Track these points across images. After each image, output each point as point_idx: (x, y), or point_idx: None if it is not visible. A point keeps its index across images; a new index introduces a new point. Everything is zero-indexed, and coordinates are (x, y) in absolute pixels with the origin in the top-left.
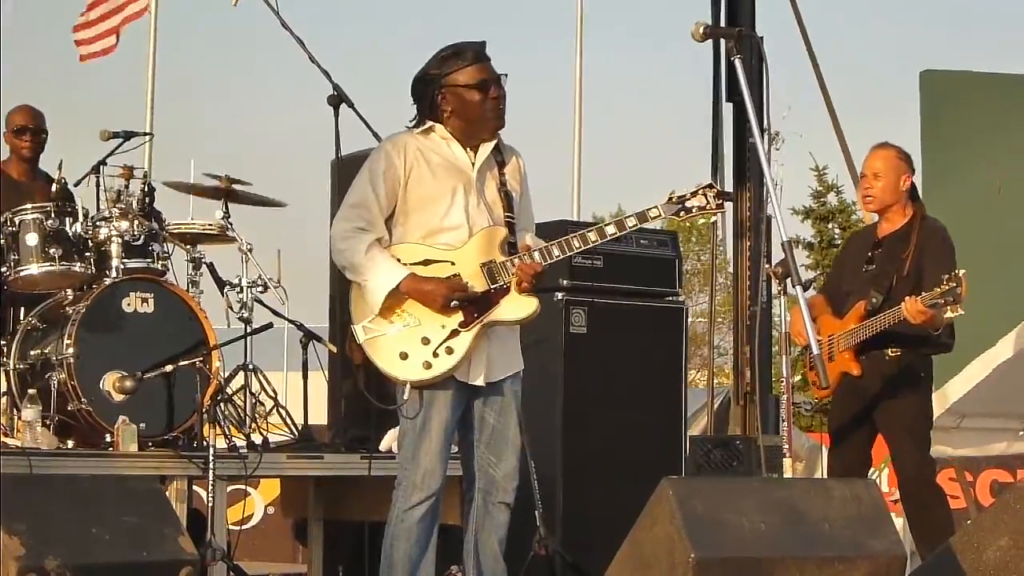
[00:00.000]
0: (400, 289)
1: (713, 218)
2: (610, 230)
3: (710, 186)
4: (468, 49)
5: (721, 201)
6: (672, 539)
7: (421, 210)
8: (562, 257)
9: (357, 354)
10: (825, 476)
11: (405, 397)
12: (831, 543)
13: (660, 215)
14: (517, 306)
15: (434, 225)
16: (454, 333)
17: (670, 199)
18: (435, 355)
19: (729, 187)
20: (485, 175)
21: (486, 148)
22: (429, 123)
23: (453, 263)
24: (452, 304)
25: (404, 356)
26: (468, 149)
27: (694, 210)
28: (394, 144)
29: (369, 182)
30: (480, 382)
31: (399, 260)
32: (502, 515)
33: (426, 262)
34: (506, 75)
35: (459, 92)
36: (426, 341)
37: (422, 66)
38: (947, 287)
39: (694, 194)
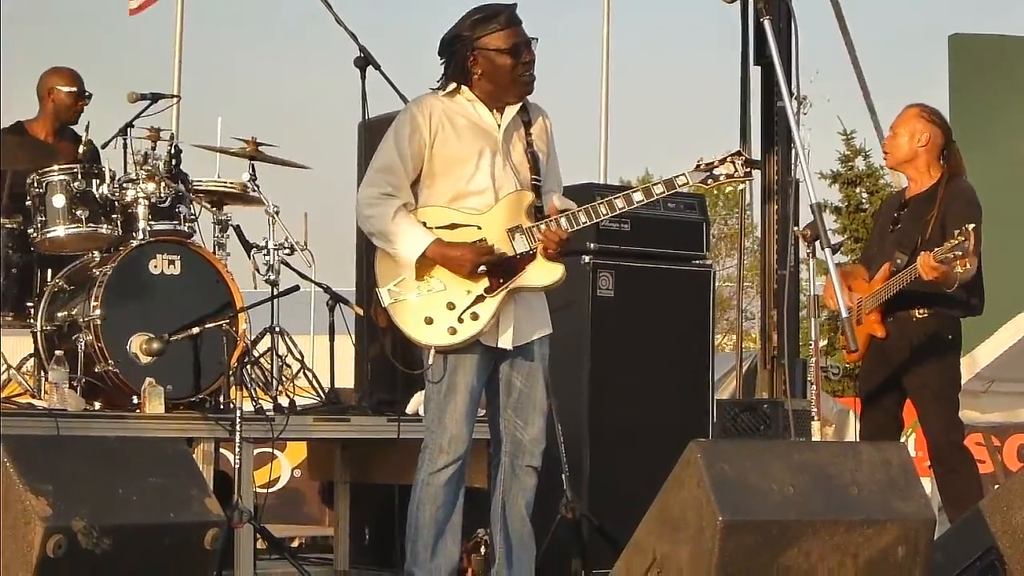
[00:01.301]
0: (427, 255)
1: (741, 186)
2: (637, 197)
3: (738, 153)
4: (501, 12)
5: (749, 169)
6: (700, 502)
7: (447, 173)
8: (588, 224)
9: (382, 317)
10: (856, 440)
11: (430, 362)
12: (860, 506)
13: (688, 183)
14: (543, 272)
15: (460, 188)
16: (479, 298)
17: (698, 166)
18: (460, 320)
19: (757, 151)
20: (512, 137)
21: (512, 109)
22: (454, 84)
23: (480, 227)
24: (479, 270)
25: (429, 321)
26: (494, 111)
27: (722, 177)
28: (419, 106)
29: (395, 145)
30: (507, 345)
31: (425, 224)
32: (529, 479)
33: (452, 226)
34: (536, 39)
35: (491, 56)
36: (451, 306)
37: (452, 26)
38: (956, 241)
39: (722, 161)
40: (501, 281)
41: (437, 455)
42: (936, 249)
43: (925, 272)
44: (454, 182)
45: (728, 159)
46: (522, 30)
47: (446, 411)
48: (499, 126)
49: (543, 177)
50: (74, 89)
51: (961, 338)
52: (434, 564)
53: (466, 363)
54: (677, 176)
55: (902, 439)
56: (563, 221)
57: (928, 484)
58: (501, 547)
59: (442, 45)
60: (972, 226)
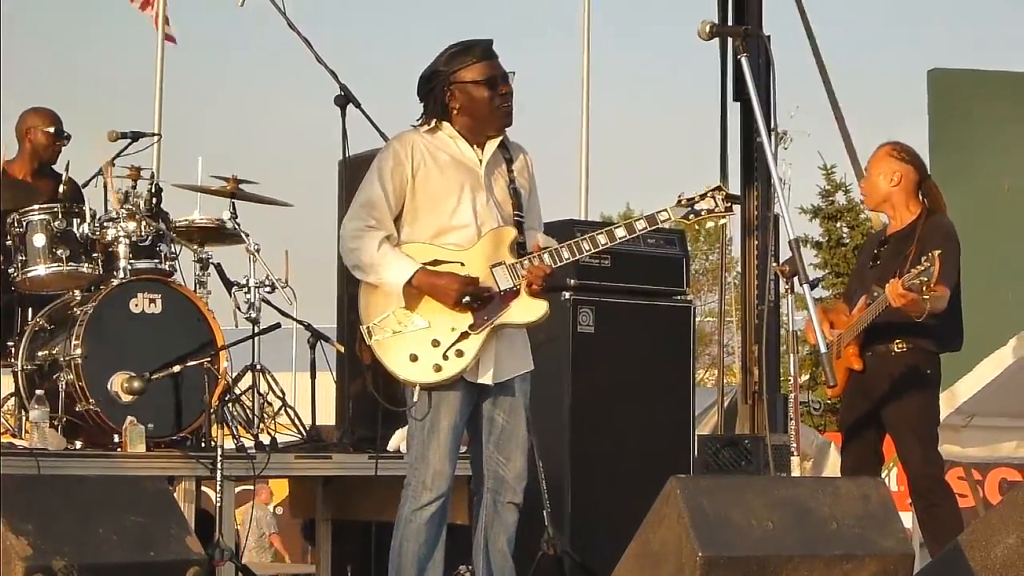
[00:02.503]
0: (413, 283)
1: (722, 220)
2: (620, 233)
3: (719, 188)
4: (476, 46)
5: (730, 204)
6: (680, 538)
7: (429, 209)
8: (571, 260)
9: (366, 355)
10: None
11: (415, 399)
12: (839, 541)
13: (670, 218)
14: (527, 309)
15: (443, 224)
16: (464, 335)
17: (679, 202)
18: (445, 357)
19: (737, 186)
20: (493, 172)
21: (492, 145)
22: (435, 121)
23: (463, 263)
24: (464, 300)
25: (414, 358)
26: (475, 146)
27: (703, 212)
28: (401, 143)
29: (378, 181)
30: (488, 381)
31: None
32: (511, 515)
33: (435, 262)
34: (514, 73)
35: (467, 88)
36: (436, 343)
37: (429, 64)
38: (923, 267)
39: (703, 196)
40: (485, 318)
41: (420, 492)
42: (903, 276)
43: (893, 299)
44: (436, 218)
45: (709, 194)
46: (498, 63)
47: (429, 448)
48: (480, 161)
49: (525, 213)
50: (51, 129)
51: (940, 373)
52: None
53: (449, 400)
54: (659, 212)
55: (883, 473)
56: (546, 257)
57: (908, 520)
58: None
59: (420, 82)
60: (938, 252)
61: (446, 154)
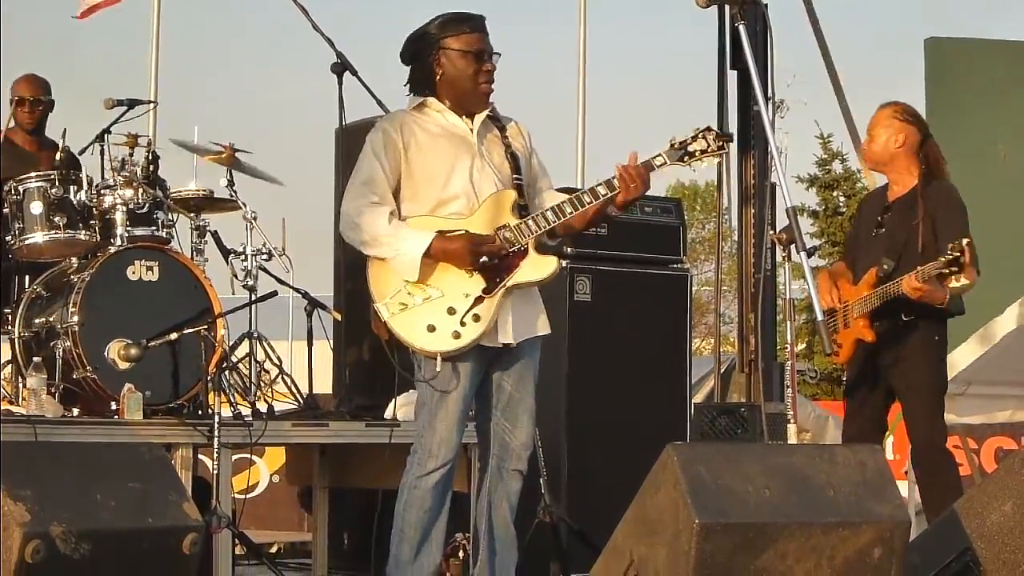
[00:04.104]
0: (430, 251)
1: (717, 160)
2: (616, 182)
3: (708, 128)
4: (470, 17)
5: (722, 142)
6: (676, 505)
7: (426, 182)
8: (574, 214)
9: (382, 331)
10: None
11: (438, 369)
12: (835, 509)
13: (666, 162)
14: (537, 267)
15: (440, 196)
16: (478, 300)
17: (672, 146)
18: (462, 324)
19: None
20: (487, 139)
21: (481, 116)
22: (421, 99)
23: (466, 232)
24: (481, 261)
25: (432, 328)
26: (464, 116)
27: (697, 153)
28: (390, 122)
29: (374, 158)
30: (508, 340)
31: None
32: (515, 483)
33: (439, 234)
34: (499, 54)
35: (453, 57)
36: (452, 311)
37: (419, 27)
38: (950, 256)
39: (694, 138)
40: (497, 280)
41: (426, 459)
42: (920, 269)
43: (910, 293)
44: (433, 190)
45: (699, 135)
46: (488, 40)
47: (437, 416)
48: (472, 130)
49: (524, 175)
50: (21, 96)
51: (947, 338)
52: (416, 566)
53: (461, 369)
54: (654, 157)
55: (885, 441)
56: (550, 214)
57: (904, 488)
58: (484, 550)
59: (407, 43)
60: (967, 241)
61: (436, 126)
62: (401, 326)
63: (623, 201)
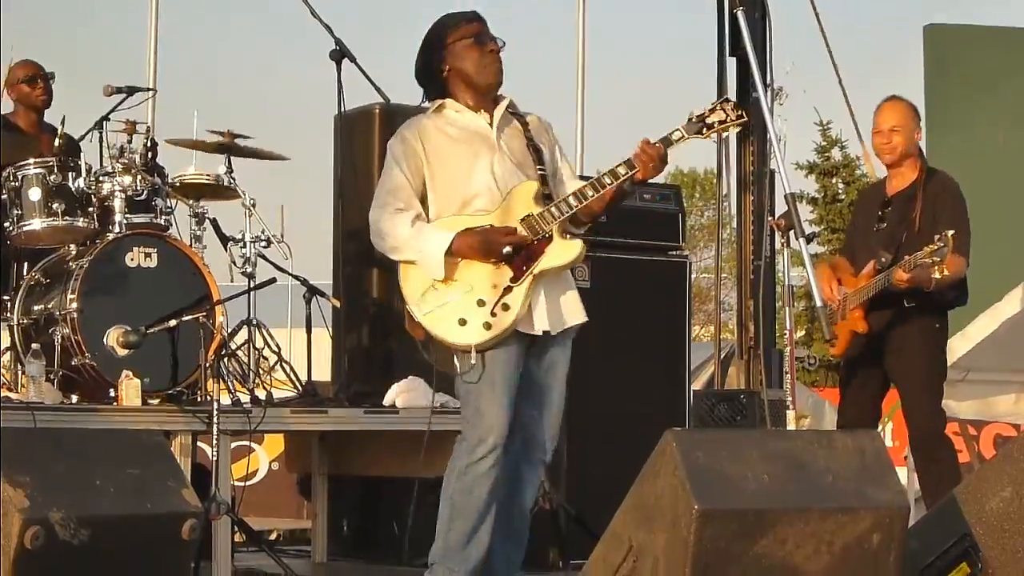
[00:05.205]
0: (452, 250)
1: (736, 130)
2: (621, 170)
3: (726, 100)
4: (461, 12)
5: (740, 112)
6: (675, 491)
7: (449, 183)
8: (595, 197)
9: (418, 332)
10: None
11: (473, 362)
12: (834, 494)
13: (684, 136)
14: (562, 251)
15: (464, 194)
16: (507, 290)
17: (690, 119)
18: (493, 314)
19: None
20: (506, 133)
21: (500, 108)
22: (438, 102)
23: (492, 226)
24: (505, 252)
25: (463, 322)
26: (482, 112)
27: (716, 124)
28: (409, 127)
29: (396, 165)
30: (545, 328)
31: None
32: (537, 473)
33: (466, 231)
34: (504, 43)
35: (455, 49)
36: (481, 303)
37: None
38: (936, 246)
39: (712, 110)
40: (524, 268)
41: (476, 446)
42: (907, 257)
43: (897, 283)
44: (457, 190)
45: (718, 107)
46: (485, 26)
47: (483, 402)
48: (491, 124)
49: (548, 166)
50: (33, 73)
51: (948, 327)
52: (464, 555)
53: (501, 355)
54: (672, 131)
55: (878, 428)
56: (572, 199)
57: (903, 474)
58: (496, 535)
59: (416, 63)
60: (951, 233)
61: (455, 127)
62: (434, 324)
63: (642, 178)
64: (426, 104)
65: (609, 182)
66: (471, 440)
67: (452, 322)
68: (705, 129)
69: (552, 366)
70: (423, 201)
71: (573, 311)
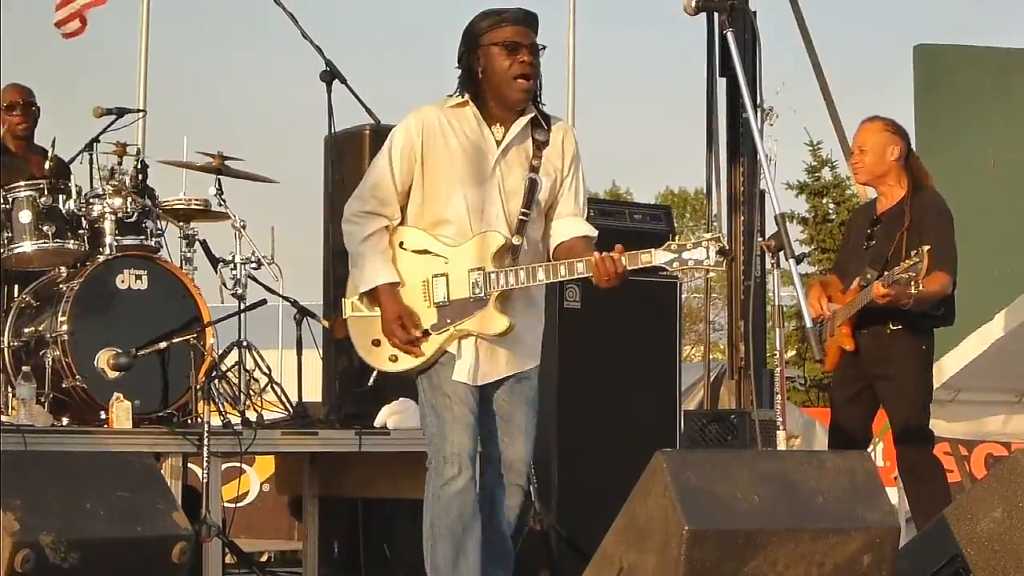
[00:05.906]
0: (376, 294)
1: (711, 274)
2: (580, 268)
3: (717, 239)
4: (508, 10)
5: (721, 259)
6: (666, 512)
7: (432, 196)
8: (546, 282)
9: (339, 328)
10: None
11: (370, 383)
12: (825, 515)
13: (651, 261)
14: (489, 322)
15: (439, 215)
16: (425, 334)
17: (668, 247)
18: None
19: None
20: (511, 157)
21: (517, 126)
22: (464, 97)
23: (447, 261)
24: (391, 343)
25: (376, 343)
26: (498, 125)
27: (690, 263)
28: (417, 118)
29: (388, 157)
30: (464, 380)
31: (402, 244)
32: (515, 497)
33: (424, 252)
34: (544, 47)
35: (490, 51)
36: None
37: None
38: (911, 262)
39: (696, 245)
40: (448, 321)
41: (442, 467)
42: (886, 273)
43: (877, 298)
44: (435, 207)
45: (703, 244)
46: (527, 32)
47: (445, 421)
48: (499, 144)
49: (543, 199)
50: (12, 100)
51: (934, 347)
52: (456, 574)
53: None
54: (643, 253)
55: (869, 448)
56: (522, 273)
57: (894, 494)
58: (482, 560)
59: (460, 43)
60: (927, 248)
61: (462, 136)
62: (354, 328)
63: (597, 285)
64: (454, 97)
65: (564, 274)
66: (436, 462)
67: (367, 337)
68: (677, 264)
69: (513, 390)
70: (406, 194)
71: (511, 364)
